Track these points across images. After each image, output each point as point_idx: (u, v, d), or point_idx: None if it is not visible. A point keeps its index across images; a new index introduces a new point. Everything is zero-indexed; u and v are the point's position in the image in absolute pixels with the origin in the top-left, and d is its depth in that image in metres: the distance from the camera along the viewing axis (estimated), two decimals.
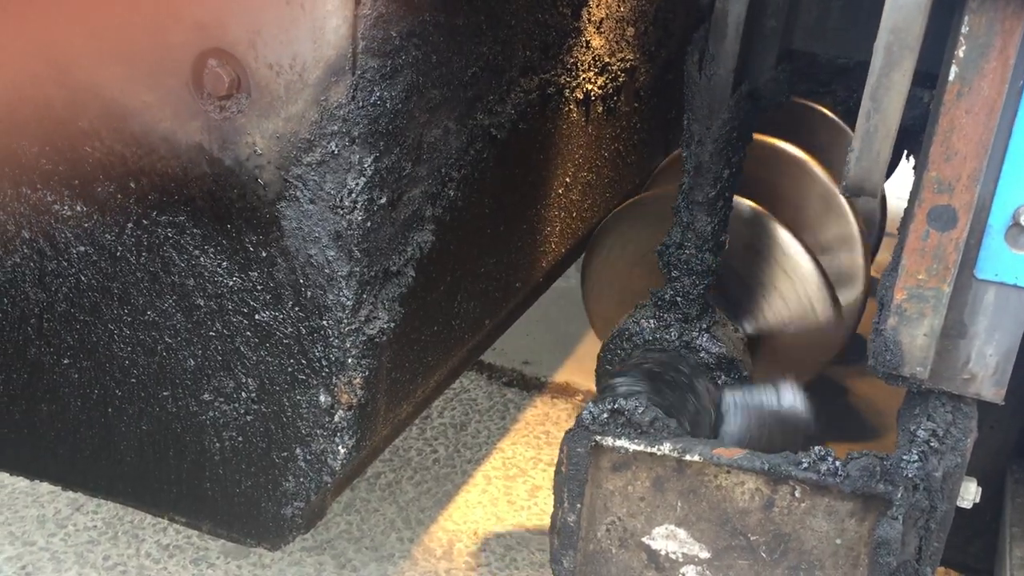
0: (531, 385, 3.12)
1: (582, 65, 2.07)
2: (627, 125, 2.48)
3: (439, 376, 1.84)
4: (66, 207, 1.49)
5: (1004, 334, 1.33)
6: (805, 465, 1.36)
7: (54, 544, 2.29)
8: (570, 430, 1.47)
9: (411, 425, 2.40)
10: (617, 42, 2.24)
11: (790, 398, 1.70)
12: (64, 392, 1.63)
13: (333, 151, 1.32)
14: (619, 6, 2.20)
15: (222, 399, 1.53)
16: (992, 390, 1.36)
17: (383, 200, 1.38)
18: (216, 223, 1.42)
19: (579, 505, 1.48)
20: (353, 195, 1.34)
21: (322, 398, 1.46)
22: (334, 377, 1.45)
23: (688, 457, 1.42)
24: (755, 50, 1.63)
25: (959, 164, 1.23)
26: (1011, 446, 1.91)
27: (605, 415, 1.45)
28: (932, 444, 1.35)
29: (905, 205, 1.41)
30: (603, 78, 2.21)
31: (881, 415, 2.94)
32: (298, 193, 1.36)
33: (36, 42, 1.42)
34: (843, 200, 2.32)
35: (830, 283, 2.04)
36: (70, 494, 2.40)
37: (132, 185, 1.44)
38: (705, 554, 1.46)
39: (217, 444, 1.56)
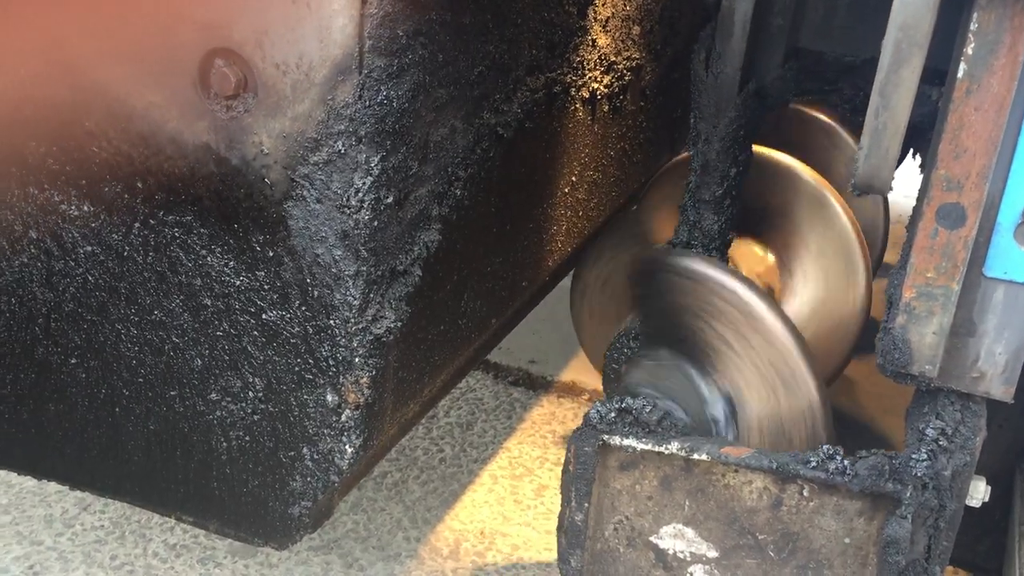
0: (537, 384, 3.12)
1: (588, 64, 2.07)
2: (633, 124, 2.48)
3: (446, 375, 1.84)
4: (73, 207, 1.49)
5: (1013, 332, 1.32)
6: (813, 464, 1.36)
7: (61, 543, 2.29)
8: (577, 429, 1.47)
9: (417, 424, 2.40)
10: (623, 41, 2.24)
11: None
12: (71, 392, 1.63)
13: (340, 150, 1.32)
14: (625, 5, 2.19)
15: (229, 399, 1.53)
16: (1001, 388, 1.36)
17: (390, 199, 1.38)
18: (223, 223, 1.42)
19: (586, 504, 1.48)
20: (360, 194, 1.34)
21: (329, 397, 1.46)
22: (341, 376, 1.45)
23: (696, 456, 1.42)
24: (762, 48, 1.63)
25: (968, 162, 1.23)
26: (1020, 445, 1.90)
27: (612, 414, 1.45)
28: (941, 443, 1.34)
29: (904, 203, 1.40)
30: (609, 77, 2.20)
31: (889, 413, 2.94)
32: (305, 192, 1.36)
33: (42, 42, 1.42)
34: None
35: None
36: (77, 494, 2.40)
37: (139, 185, 1.44)
38: (713, 553, 1.46)
39: (224, 443, 1.56)
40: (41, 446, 1.69)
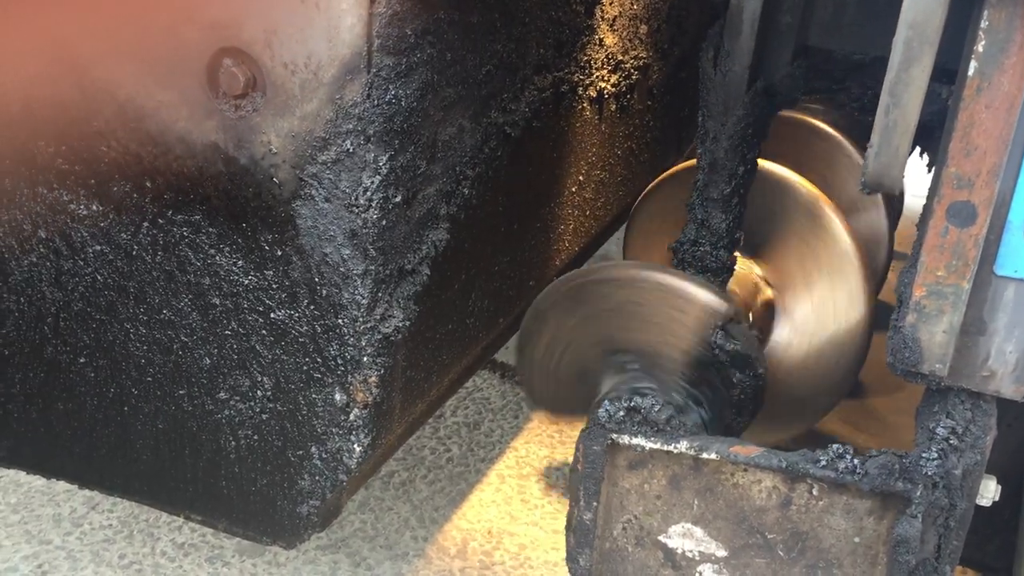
0: None
1: (596, 63, 2.06)
2: (640, 123, 2.48)
3: (453, 374, 1.84)
4: (82, 206, 1.50)
5: None
6: (823, 463, 1.35)
7: (70, 543, 2.30)
8: (586, 428, 1.47)
9: (424, 424, 2.40)
10: (630, 40, 2.24)
11: None
12: (80, 391, 1.63)
13: (348, 149, 1.32)
14: (632, 4, 2.19)
15: (238, 398, 1.53)
16: (1012, 387, 1.35)
17: (398, 198, 1.38)
18: (231, 222, 1.42)
19: (595, 503, 1.48)
20: (368, 193, 1.34)
21: (338, 396, 1.47)
22: (349, 375, 1.45)
23: (705, 455, 1.41)
24: (770, 46, 1.62)
25: (978, 160, 1.22)
26: None
27: (621, 413, 1.45)
28: (951, 442, 1.34)
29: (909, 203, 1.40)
30: (616, 76, 2.20)
31: (898, 413, 2.93)
32: (313, 192, 1.36)
33: (52, 42, 1.42)
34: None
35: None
36: (86, 493, 2.41)
37: (148, 184, 1.45)
38: (722, 552, 1.45)
39: (233, 442, 1.56)
40: (50, 445, 1.70)
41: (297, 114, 1.32)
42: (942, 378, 1.35)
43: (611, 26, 2.09)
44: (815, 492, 1.38)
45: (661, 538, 1.48)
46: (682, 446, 1.42)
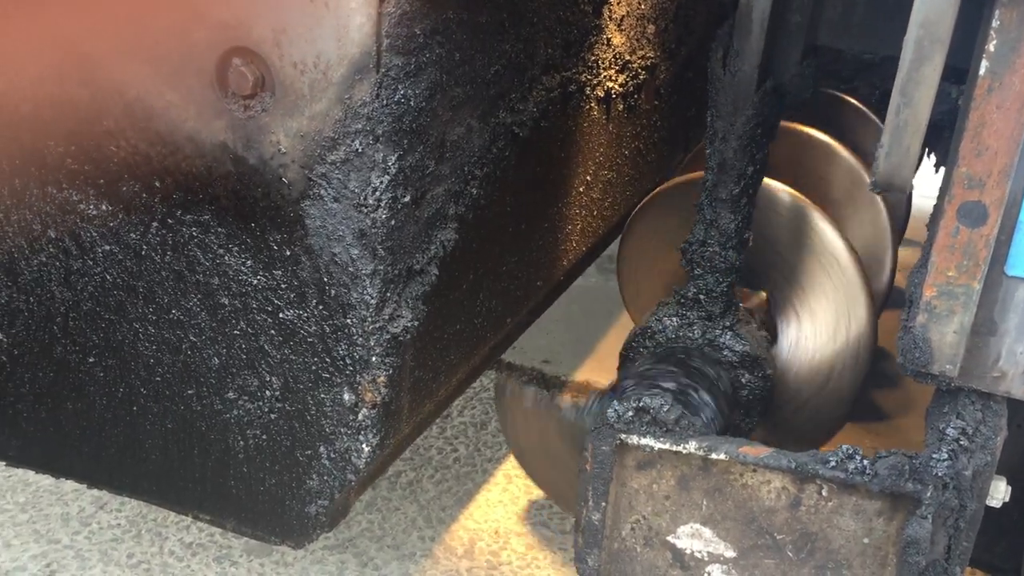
0: (551, 384, 3.11)
1: (603, 63, 2.06)
2: (647, 123, 2.47)
3: (461, 375, 1.84)
4: (91, 206, 1.50)
5: None
6: (832, 464, 1.35)
7: (78, 542, 2.30)
8: (595, 428, 1.47)
9: (432, 424, 2.40)
10: (638, 39, 2.23)
11: None
12: (89, 390, 1.63)
13: (357, 149, 1.32)
14: (640, 3, 2.19)
15: (246, 397, 1.53)
16: (1022, 388, 1.35)
17: (407, 198, 1.38)
18: (240, 222, 1.43)
19: (604, 503, 1.47)
20: (377, 193, 1.34)
21: (346, 396, 1.47)
22: (358, 375, 1.45)
23: (714, 455, 1.41)
24: (780, 46, 1.62)
25: (990, 160, 1.22)
26: None
27: (630, 413, 1.45)
28: (962, 442, 1.34)
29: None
30: (624, 76, 2.20)
31: (907, 414, 2.92)
32: (322, 191, 1.36)
33: (61, 42, 1.42)
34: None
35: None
36: (94, 492, 2.41)
37: (157, 184, 1.45)
38: (731, 553, 1.45)
39: (241, 442, 1.56)
40: (59, 445, 1.70)
41: (306, 114, 1.32)
42: (952, 379, 1.35)
43: (619, 26, 2.09)
44: (824, 493, 1.38)
45: (670, 538, 1.48)
46: (691, 446, 1.42)
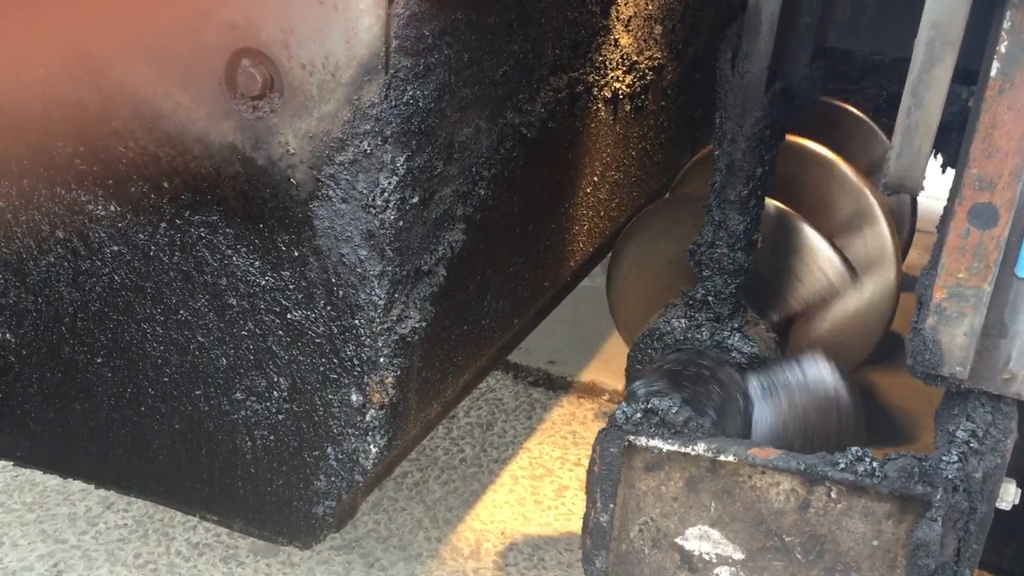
0: (557, 385, 3.11)
1: (610, 64, 2.06)
2: (654, 124, 2.47)
3: (468, 375, 1.84)
4: (100, 207, 1.50)
5: None
6: (842, 466, 1.35)
7: (85, 542, 2.31)
8: (603, 430, 1.46)
9: (438, 425, 2.40)
10: (645, 40, 2.23)
11: (816, 371, 1.66)
12: (97, 391, 1.64)
13: (366, 150, 1.32)
14: (647, 4, 2.19)
15: (254, 398, 1.53)
16: None
17: (415, 199, 1.38)
18: (249, 222, 1.43)
19: (612, 505, 1.47)
20: (385, 194, 1.34)
21: (354, 397, 1.47)
22: (366, 376, 1.45)
23: (722, 457, 1.41)
24: (789, 47, 1.62)
25: (1000, 161, 1.21)
26: None
27: (638, 415, 1.45)
28: (972, 445, 1.33)
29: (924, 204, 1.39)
30: (631, 76, 2.20)
31: (914, 416, 2.91)
32: (330, 192, 1.36)
33: (70, 43, 1.43)
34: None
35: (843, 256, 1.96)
36: (101, 492, 2.42)
37: (165, 185, 1.45)
38: (739, 555, 1.45)
39: (249, 443, 1.57)
40: (67, 445, 1.70)
41: (315, 115, 1.32)
42: (962, 381, 1.34)
43: (626, 27, 2.09)
44: (834, 495, 1.37)
45: (678, 540, 1.47)
46: (699, 448, 1.42)
